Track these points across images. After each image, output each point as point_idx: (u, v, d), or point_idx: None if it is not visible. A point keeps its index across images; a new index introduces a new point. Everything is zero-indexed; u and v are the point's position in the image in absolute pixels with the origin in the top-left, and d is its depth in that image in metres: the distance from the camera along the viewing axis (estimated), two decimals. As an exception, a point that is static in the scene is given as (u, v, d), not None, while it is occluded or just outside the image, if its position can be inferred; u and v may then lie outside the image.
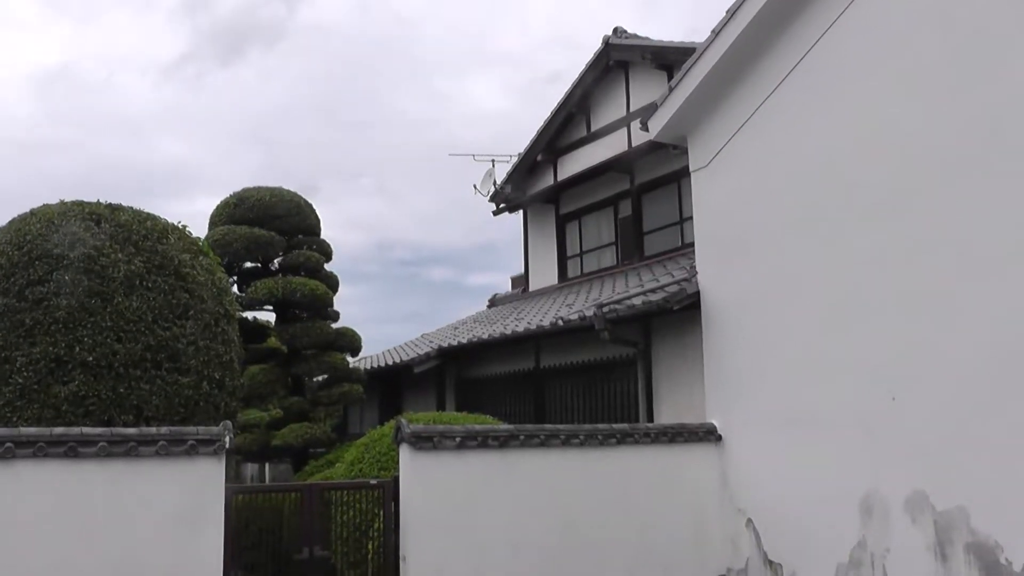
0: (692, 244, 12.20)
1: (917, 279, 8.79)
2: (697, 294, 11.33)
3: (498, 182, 20.62)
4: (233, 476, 8.54)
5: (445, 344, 17.49)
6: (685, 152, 11.96)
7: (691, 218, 12.07)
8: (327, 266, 18.15)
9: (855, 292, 9.37)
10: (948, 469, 8.35)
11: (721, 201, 11.22)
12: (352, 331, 17.70)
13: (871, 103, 9.43)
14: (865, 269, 9.29)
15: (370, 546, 9.64)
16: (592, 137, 18.08)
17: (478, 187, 21.17)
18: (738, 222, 10.91)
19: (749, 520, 10.42)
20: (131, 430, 7.93)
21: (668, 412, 12.39)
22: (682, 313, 11.66)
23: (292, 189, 18.25)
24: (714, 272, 11.22)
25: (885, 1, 9.36)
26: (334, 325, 17.64)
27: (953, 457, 8.31)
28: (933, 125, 8.80)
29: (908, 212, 8.93)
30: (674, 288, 11.61)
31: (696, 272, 11.52)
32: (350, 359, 18.07)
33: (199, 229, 11.45)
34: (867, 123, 9.45)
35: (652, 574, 10.23)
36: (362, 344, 17.88)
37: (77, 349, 9.19)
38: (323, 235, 18.43)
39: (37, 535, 7.41)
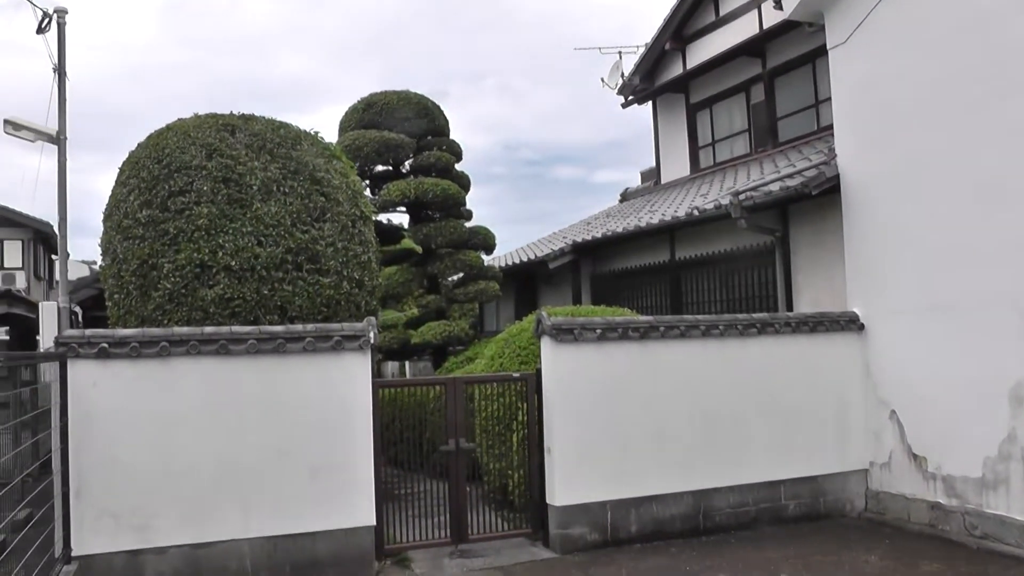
0: (829, 127, 11.82)
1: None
2: (837, 177, 11.01)
3: (626, 74, 20.23)
4: (375, 373, 8.75)
5: (579, 239, 17.43)
6: (821, 29, 11.53)
7: (828, 100, 11.68)
8: (457, 166, 18.18)
9: (1009, 166, 8.88)
10: None
11: (861, 78, 10.78)
12: (486, 229, 17.75)
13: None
14: (1017, 145, 8.80)
15: (514, 438, 9.79)
16: (721, 22, 17.52)
17: (605, 80, 20.82)
18: (880, 99, 10.47)
19: (893, 412, 10.23)
20: (278, 328, 8.22)
21: (808, 301, 12.14)
22: (821, 198, 11.34)
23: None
24: (854, 153, 10.84)
25: None
26: (467, 224, 17.72)
27: None
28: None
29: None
30: (812, 172, 11.28)
31: (835, 155, 11.17)
32: (485, 257, 18.17)
33: (327, 138, 11.53)
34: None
35: (793, 467, 10.20)
36: (496, 242, 17.94)
37: (220, 254, 9.46)
38: (451, 137, 18.42)
39: (192, 427, 7.86)
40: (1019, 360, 8.74)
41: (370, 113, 17.63)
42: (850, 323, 10.65)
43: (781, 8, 11.54)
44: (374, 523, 8.47)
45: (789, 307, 12.40)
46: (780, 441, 10.17)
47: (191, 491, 7.81)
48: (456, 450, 9.20)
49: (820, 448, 10.41)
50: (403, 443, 9.78)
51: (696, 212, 13.50)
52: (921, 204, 9.89)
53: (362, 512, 8.37)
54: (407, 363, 18.58)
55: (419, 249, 17.73)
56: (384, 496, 8.80)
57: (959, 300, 9.41)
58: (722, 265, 14.09)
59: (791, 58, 15.55)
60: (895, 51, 10.31)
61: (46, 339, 12.63)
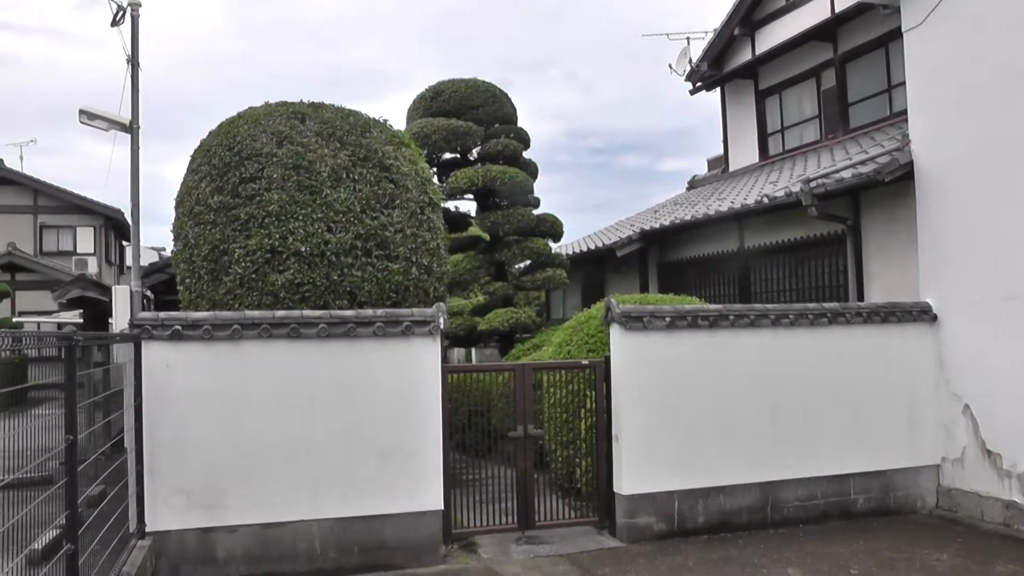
0: (902, 112, 11.61)
1: None
2: (910, 164, 10.81)
3: (693, 60, 20.07)
4: (442, 359, 8.80)
5: (647, 227, 17.33)
6: (896, 12, 11.32)
7: (901, 84, 11.47)
8: (525, 154, 18.19)
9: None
10: None
11: (937, 61, 10.55)
12: (553, 216, 17.75)
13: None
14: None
15: (581, 426, 9.79)
16: (791, 6, 17.27)
17: (673, 67, 20.68)
18: (956, 82, 10.25)
19: (966, 406, 10.03)
20: (349, 312, 8.30)
21: (879, 291, 11.94)
22: (894, 185, 11.14)
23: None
24: (929, 139, 10.62)
25: None
26: (534, 211, 17.73)
27: None
28: None
29: None
30: (885, 159, 11.09)
31: (908, 140, 10.96)
32: (552, 245, 18.17)
33: (395, 125, 11.61)
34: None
35: (864, 460, 10.07)
36: (563, 229, 17.93)
37: (290, 239, 9.56)
38: (518, 125, 18.44)
39: (263, 409, 8.00)
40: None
41: (438, 101, 17.74)
42: (922, 314, 10.46)
43: (855, -9, 11.34)
44: (442, 507, 8.53)
45: (860, 297, 12.21)
46: (850, 434, 10.03)
47: (262, 472, 7.94)
48: (524, 436, 9.23)
49: (891, 442, 10.25)
50: (469, 429, 9.83)
51: (766, 200, 13.35)
52: (999, 190, 9.64)
53: (431, 496, 8.44)
54: (473, 350, 18.65)
55: (486, 236, 17.79)
56: (451, 481, 8.85)
57: (1038, 290, 9.17)
58: (791, 254, 13.92)
59: (863, 42, 15.29)
60: (973, 32, 10.07)
61: (119, 322, 12.87)
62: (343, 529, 8.17)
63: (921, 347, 10.48)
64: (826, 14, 15.88)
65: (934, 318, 10.47)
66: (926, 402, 10.42)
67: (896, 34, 11.52)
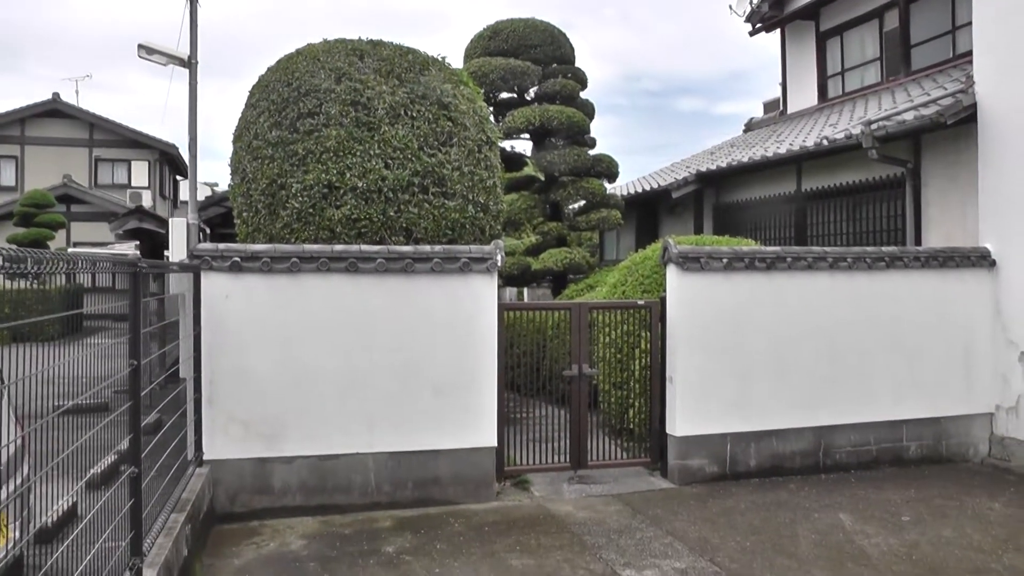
0: (966, 54, 11.39)
1: None
2: (974, 106, 10.63)
3: (754, 1, 19.75)
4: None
5: (703, 168, 17.20)
6: (965, -51, 11.02)
7: (966, 25, 11.24)
8: (582, 94, 18.08)
9: None
10: None
11: (1007, 1, 10.27)
12: (609, 157, 17.68)
13: None
14: None
15: (635, 367, 9.81)
16: (858, -55, 16.93)
17: (733, 7, 20.38)
18: (1025, 25, 9.98)
19: (1022, 354, 9.90)
20: (406, 248, 8.35)
21: (938, 237, 11.80)
22: (956, 128, 10.97)
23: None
24: (995, 81, 10.42)
25: None
26: (590, 152, 17.66)
27: None
28: None
29: None
30: (948, 100, 10.90)
31: (972, 82, 10.76)
32: (607, 185, 18.11)
33: (454, 64, 11.56)
34: None
35: (918, 406, 10.02)
36: (619, 170, 17.85)
37: (347, 175, 9.60)
38: (576, 65, 18.32)
39: (321, 342, 8.08)
40: None
41: (496, 40, 17.67)
42: (981, 259, 10.33)
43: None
44: (495, 444, 8.60)
45: (918, 242, 12.06)
46: (904, 380, 9.98)
47: (318, 404, 8.05)
48: (579, 375, 9.27)
49: (945, 389, 10.19)
50: (521, 368, 9.88)
51: (825, 142, 13.17)
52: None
53: (485, 433, 8.51)
54: (526, 289, 18.69)
55: (541, 176, 17.78)
56: (504, 419, 8.92)
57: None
58: (850, 197, 13.77)
59: (930, -18, 14.96)
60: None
61: (175, 253, 13.05)
62: (397, 463, 8.28)
63: (979, 293, 10.36)
64: (893, -46, 15.54)
65: (993, 264, 10.34)
66: (982, 349, 10.33)
67: (963, -28, 11.26)
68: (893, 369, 9.93)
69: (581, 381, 9.28)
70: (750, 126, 21.85)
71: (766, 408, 9.38)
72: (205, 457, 7.81)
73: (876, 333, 9.87)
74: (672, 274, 9.22)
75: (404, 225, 9.77)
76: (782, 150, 14.67)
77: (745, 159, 15.90)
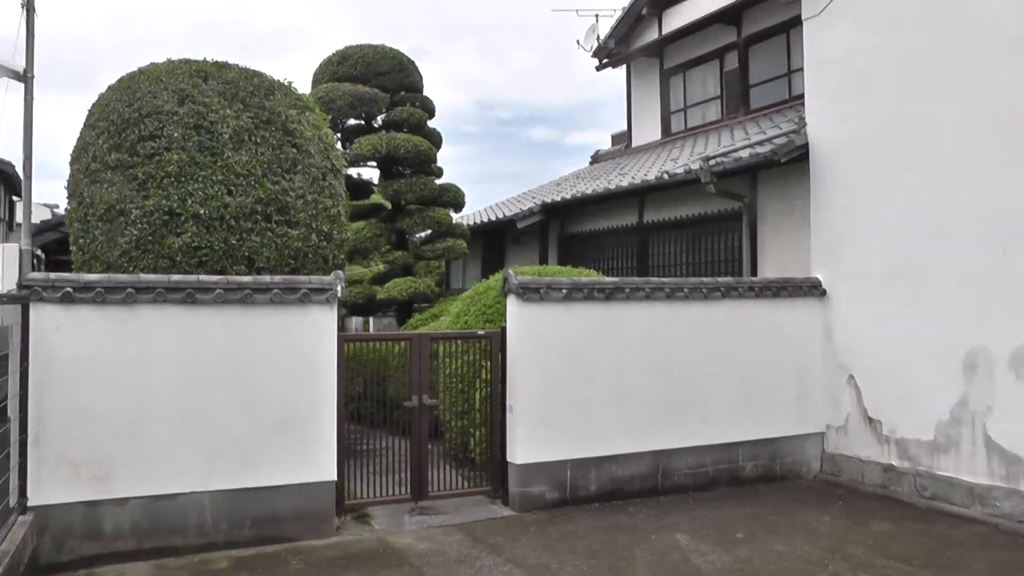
0: (800, 96, 11.92)
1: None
2: (806, 146, 11.14)
3: (601, 37, 20.21)
4: (339, 328, 8.76)
5: (548, 199, 17.45)
6: (796, 1, 11.57)
7: (800, 70, 11.80)
8: (430, 123, 18.17)
9: (972, 143, 9.11)
10: None
11: (834, 50, 10.90)
12: (455, 186, 17.78)
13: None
14: (984, 120, 9.01)
15: (476, 396, 9.86)
16: (699, -11, 17.53)
17: (581, 42, 20.78)
18: (851, 71, 10.62)
19: (851, 376, 10.45)
20: (246, 278, 8.18)
21: (772, 267, 12.28)
22: (790, 166, 11.46)
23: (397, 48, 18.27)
24: (824, 123, 10.97)
25: None
26: (437, 181, 17.73)
27: None
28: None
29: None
30: (782, 140, 11.38)
31: (805, 123, 11.28)
32: (453, 215, 18.20)
33: (302, 88, 11.46)
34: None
35: (752, 429, 10.41)
36: (465, 199, 17.97)
37: (189, 202, 9.38)
38: (425, 93, 18.40)
39: (157, 376, 7.79)
40: (973, 329, 9.02)
41: (345, 66, 17.61)
42: (813, 289, 10.80)
43: (758, -23, 11.66)
44: (335, 478, 8.46)
45: (754, 272, 12.52)
46: (740, 404, 10.34)
47: (153, 441, 7.74)
48: (419, 406, 9.23)
49: (779, 411, 10.61)
50: (365, 399, 9.81)
51: (666, 176, 13.56)
52: (886, 175, 10.06)
53: (324, 467, 8.36)
54: (371, 319, 18.59)
55: (388, 204, 17.75)
56: (346, 452, 8.84)
57: (918, 268, 9.64)
58: (690, 229, 14.20)
59: (766, 27, 15.63)
60: (867, 25, 10.44)
61: (6, 282, 12.48)
62: (235, 501, 8.02)
63: (811, 321, 10.83)
64: (732, -1, 16.18)
65: (823, 293, 10.82)
66: (814, 373, 10.81)
67: (796, 21, 11.83)
68: (730, 394, 10.27)
69: (422, 412, 9.25)
70: (596, 158, 22.30)
71: (606, 434, 9.54)
72: (30, 503, 7.32)
73: (713, 360, 10.19)
74: (512, 304, 9.32)
75: (246, 254, 9.60)
76: (625, 183, 15.03)
77: (589, 191, 16.23)
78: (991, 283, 8.86)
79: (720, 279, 10.44)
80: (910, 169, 9.76)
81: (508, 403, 9.32)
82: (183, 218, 9.35)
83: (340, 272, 8.68)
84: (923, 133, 9.64)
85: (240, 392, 8.05)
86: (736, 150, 12.06)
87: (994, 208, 8.84)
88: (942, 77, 9.46)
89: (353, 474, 9.05)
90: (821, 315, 10.86)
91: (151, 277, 7.83)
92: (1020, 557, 7.65)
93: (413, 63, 18.23)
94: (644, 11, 18.87)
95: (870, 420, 10.20)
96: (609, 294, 9.58)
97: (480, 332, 9.76)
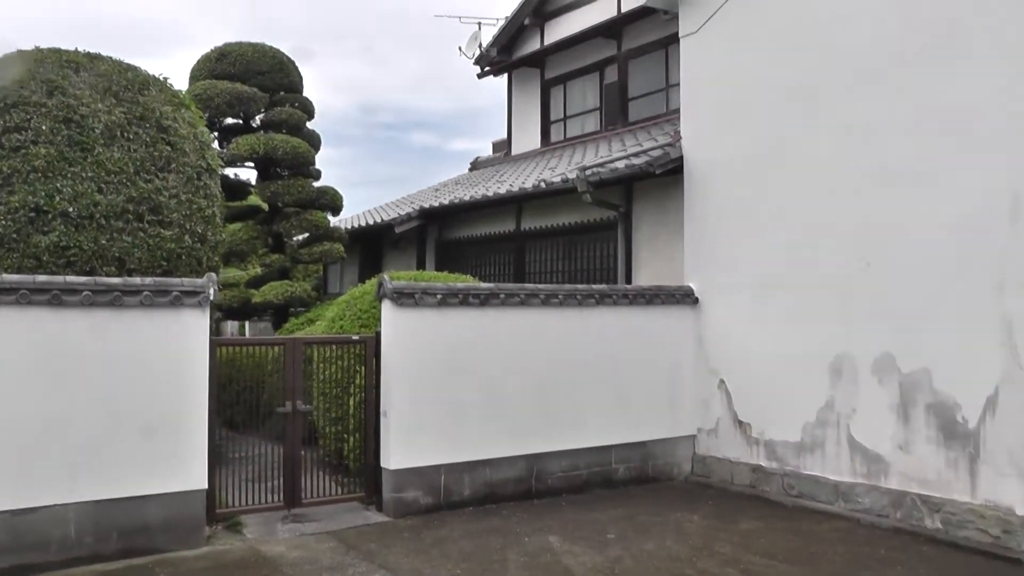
0: (677, 111, 12.20)
1: (899, 152, 8.96)
2: (680, 159, 11.42)
3: (484, 45, 20.33)
4: (214, 333, 8.58)
5: (427, 205, 17.46)
6: (675, 18, 11.91)
7: (678, 85, 12.06)
8: (309, 124, 18.00)
9: (837, 162, 9.55)
10: (916, 333, 8.72)
11: (708, 68, 11.24)
12: (334, 190, 17.63)
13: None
14: (848, 140, 9.46)
15: (351, 402, 9.80)
16: (581, 2, 17.76)
17: (463, 50, 20.89)
18: (724, 90, 10.97)
19: (722, 381, 10.77)
20: (115, 280, 7.91)
21: (647, 276, 12.56)
22: (665, 178, 11.72)
23: (279, 48, 18.07)
24: (698, 138, 11.29)
25: None
26: (315, 183, 17.58)
27: (920, 322, 8.67)
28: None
29: (895, 87, 9.04)
30: (657, 152, 11.63)
31: (680, 137, 11.57)
32: (331, 218, 18.04)
33: (180, 84, 11.22)
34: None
35: (625, 433, 10.61)
36: (343, 203, 17.84)
37: (57, 199, 9.08)
38: (306, 95, 18.24)
39: (17, 381, 7.42)
40: (838, 337, 9.42)
41: (224, 63, 17.28)
42: (685, 297, 11.07)
43: (639, -7, 11.92)
44: (206, 486, 8.24)
45: (628, 280, 12.78)
46: (614, 408, 10.52)
47: (13, 451, 7.36)
48: (293, 412, 9.09)
49: (652, 415, 10.85)
50: (240, 404, 9.65)
51: (543, 184, 13.72)
52: (756, 190, 10.43)
53: (195, 475, 8.13)
54: (247, 323, 18.34)
55: (265, 206, 17.54)
56: (218, 459, 8.67)
57: (786, 279, 10.02)
58: (566, 237, 14.40)
59: (646, 42, 15.97)
60: (741, 47, 10.82)
61: None
62: (101, 512, 7.69)
63: (683, 328, 11.11)
64: (613, 12, 16.53)
65: (696, 301, 11.11)
66: (686, 377, 11.09)
67: (674, 39, 12.11)
68: (603, 398, 10.44)
69: (296, 418, 9.12)
70: (476, 165, 22.40)
71: (480, 439, 9.59)
72: None
73: (588, 366, 10.35)
74: (387, 309, 9.27)
75: (117, 255, 9.35)
76: (503, 191, 15.16)
77: (467, 197, 16.31)
78: (856, 294, 9.25)
79: (595, 286, 10.61)
80: (779, 185, 10.15)
81: (382, 408, 9.28)
82: (50, 216, 9.06)
83: (213, 275, 8.48)
84: (791, 151, 10.05)
85: (108, 399, 7.75)
86: (612, 161, 12.27)
87: (858, 224, 9.26)
88: (807, 101, 9.91)
89: (226, 482, 8.88)
90: (693, 322, 11.13)
91: (14, 277, 7.48)
92: (877, 549, 8.03)
93: (293, 63, 18.03)
94: (527, 21, 19.09)
95: (740, 423, 10.52)
96: (484, 300, 9.63)
97: (355, 337, 9.70)
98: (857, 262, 9.25)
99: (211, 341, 8.40)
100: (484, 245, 16.62)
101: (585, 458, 10.32)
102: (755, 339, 10.37)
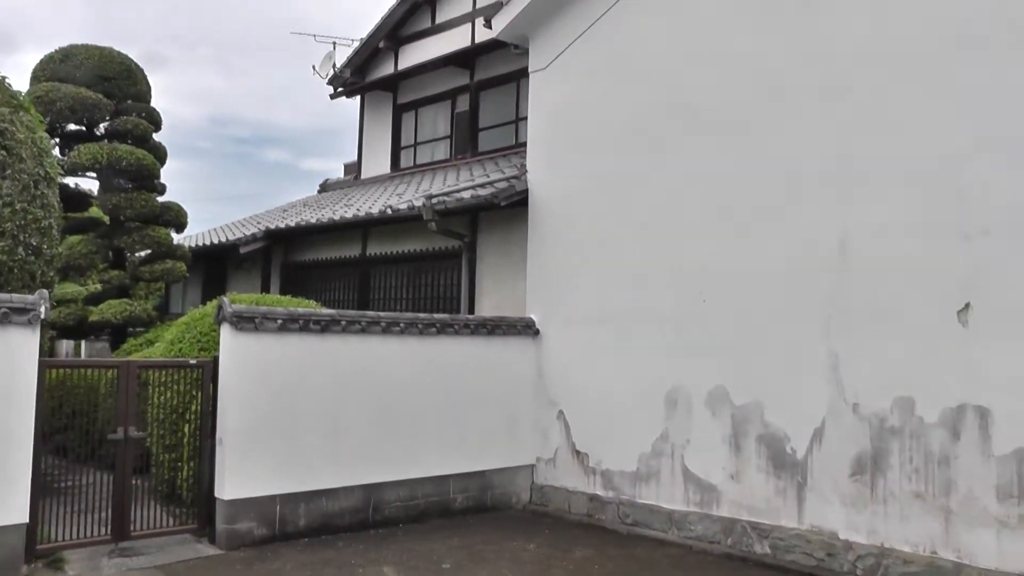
0: (526, 144, 12.41)
1: (734, 194, 9.38)
2: (526, 192, 11.66)
3: (338, 65, 20.30)
4: (47, 352, 8.28)
5: (272, 226, 17.28)
6: (526, 53, 12.15)
7: (527, 118, 12.26)
8: (156, 136, 17.57)
9: (675, 201, 9.93)
10: (747, 367, 9.13)
11: (556, 104, 11.51)
12: (178, 206, 17.24)
13: (704, 21, 9.84)
14: (685, 181, 9.85)
15: (186, 428, 9.61)
16: (436, 29, 17.99)
17: (317, 69, 20.81)
18: (570, 126, 11.27)
19: (561, 412, 11.00)
20: (-64, 296, 7.58)
21: (490, 306, 12.75)
22: (510, 209, 11.95)
23: (128, 54, 17.59)
24: (544, 172, 11.55)
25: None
26: (160, 198, 17.15)
27: (752, 356, 9.08)
28: (764, 48, 9.28)
29: (731, 131, 9.48)
30: (503, 184, 11.85)
31: (526, 171, 11.79)
32: (175, 235, 17.64)
33: (20, 85, 10.80)
34: (700, 41, 9.90)
35: (463, 462, 10.71)
36: (188, 220, 17.45)
37: None
38: (154, 104, 17.82)
39: None
40: (674, 370, 9.76)
41: (68, 65, 16.68)
42: (527, 328, 11.28)
43: (491, 27, 12.09)
44: (27, 520, 7.84)
45: (471, 310, 12.93)
46: (454, 438, 10.60)
47: None
48: (125, 439, 8.81)
49: (491, 444, 10.97)
50: (72, 430, 9.27)
51: (390, 211, 13.78)
52: (598, 226, 10.75)
53: (15, 508, 7.72)
54: (83, 343, 17.72)
55: (107, 219, 17.00)
56: (43, 490, 8.26)
57: (625, 314, 10.32)
58: (412, 264, 14.48)
59: (497, 74, 16.26)
60: (587, 85, 11.15)
61: None
62: None
63: (524, 358, 11.30)
64: (466, 43, 16.79)
65: (537, 332, 11.32)
66: (526, 408, 11.28)
67: (526, 72, 12.33)
68: (443, 427, 10.51)
69: (128, 445, 8.84)
70: (325, 187, 22.28)
71: (317, 469, 9.52)
72: None
73: (428, 395, 10.41)
74: (226, 334, 9.14)
75: (-58, 267, 8.99)
76: (349, 215, 15.15)
77: (313, 220, 16.25)
78: (692, 328, 9.63)
79: (436, 315, 10.70)
80: (620, 222, 10.47)
81: (218, 436, 9.09)
82: None
83: (45, 291, 8.18)
84: (632, 189, 10.39)
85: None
86: (459, 190, 12.43)
87: (694, 261, 9.64)
88: (651, 142, 10.27)
89: (51, 515, 8.42)
90: (534, 353, 11.34)
91: None
92: (708, 573, 8.43)
93: (142, 71, 17.59)
94: (381, 44, 19.18)
95: (578, 453, 10.76)
96: (325, 326, 9.62)
97: (192, 361, 9.52)
98: (693, 297, 9.62)
99: (41, 362, 8.06)
100: (330, 269, 16.54)
101: (424, 488, 10.36)
102: (593, 370, 10.64)
